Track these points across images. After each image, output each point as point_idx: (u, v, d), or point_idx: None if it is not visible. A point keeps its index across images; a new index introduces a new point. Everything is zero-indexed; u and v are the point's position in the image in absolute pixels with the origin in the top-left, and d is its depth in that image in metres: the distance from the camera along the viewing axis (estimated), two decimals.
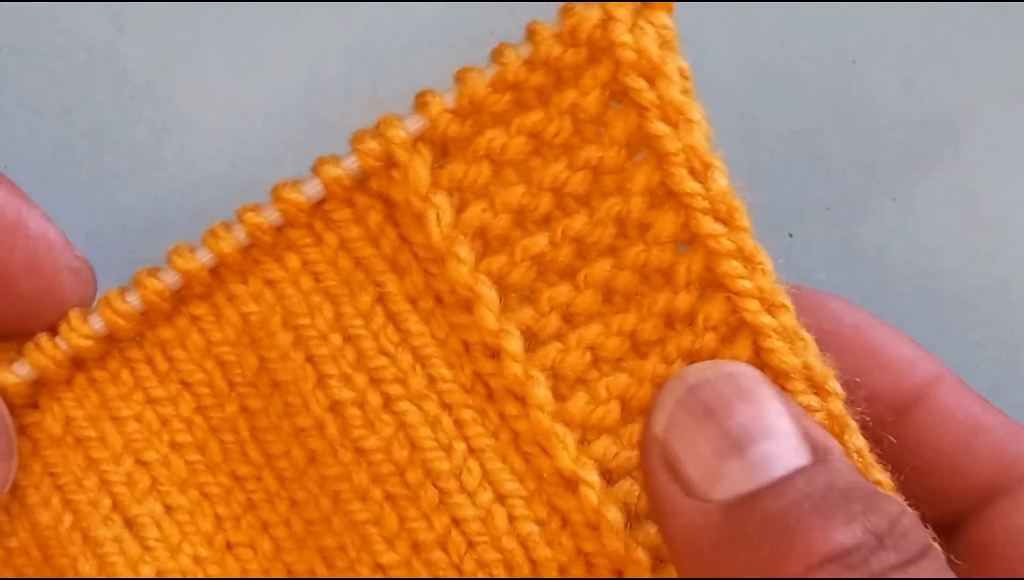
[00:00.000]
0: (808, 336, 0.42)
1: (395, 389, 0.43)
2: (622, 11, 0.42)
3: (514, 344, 0.43)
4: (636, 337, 0.43)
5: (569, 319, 0.44)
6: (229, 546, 0.44)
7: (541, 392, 0.43)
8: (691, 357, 0.43)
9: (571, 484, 0.42)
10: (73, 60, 0.54)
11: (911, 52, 0.56)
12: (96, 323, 0.43)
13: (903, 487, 0.42)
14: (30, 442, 0.44)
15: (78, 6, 0.52)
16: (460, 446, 0.43)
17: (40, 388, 0.44)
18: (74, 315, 0.43)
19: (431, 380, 0.43)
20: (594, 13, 0.43)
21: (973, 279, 0.57)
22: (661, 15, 0.43)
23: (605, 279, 0.44)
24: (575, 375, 0.43)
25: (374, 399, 0.43)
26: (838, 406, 0.42)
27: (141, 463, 0.44)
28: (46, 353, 0.43)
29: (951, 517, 0.45)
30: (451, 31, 0.54)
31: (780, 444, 0.38)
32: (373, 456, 0.43)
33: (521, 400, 0.43)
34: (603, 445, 0.43)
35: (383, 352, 0.43)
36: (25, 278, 0.42)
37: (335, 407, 0.43)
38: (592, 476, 0.42)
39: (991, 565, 0.43)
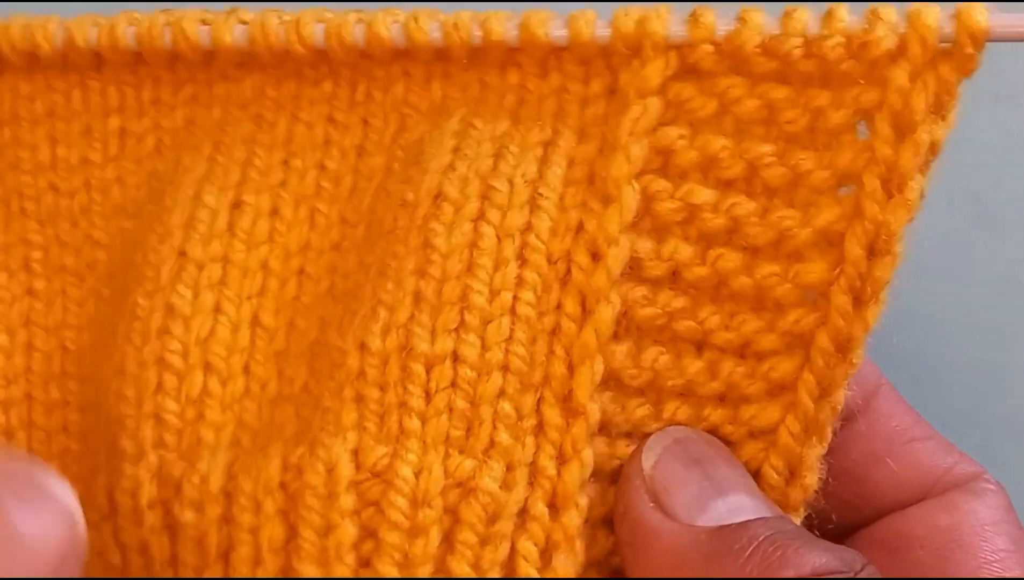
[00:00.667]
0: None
1: (493, 213, 0.44)
2: (917, 49, 0.41)
3: (617, 259, 0.43)
4: (709, 337, 0.45)
5: (674, 279, 0.44)
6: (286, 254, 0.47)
7: (607, 314, 0.43)
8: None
9: (570, 409, 0.43)
10: None
11: None
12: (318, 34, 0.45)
13: (829, 488, 0.46)
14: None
15: (84, 6, 0.49)
16: (507, 298, 0.43)
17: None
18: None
19: (527, 228, 0.44)
20: (891, 39, 0.42)
21: (972, 277, 0.59)
22: (953, 73, 0.42)
23: (729, 271, 0.44)
24: (643, 328, 0.45)
25: (471, 208, 0.44)
26: None
27: (284, 162, 0.47)
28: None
29: (867, 520, 0.50)
30: None
31: (752, 501, 0.43)
32: (432, 255, 0.43)
33: (586, 310, 0.43)
34: (608, 399, 0.44)
35: (510, 180, 0.44)
36: None
37: (438, 197, 0.44)
38: (595, 415, 0.43)
39: (904, 557, 0.48)
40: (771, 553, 0.40)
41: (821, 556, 0.39)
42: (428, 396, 0.43)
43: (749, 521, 0.41)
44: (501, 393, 0.43)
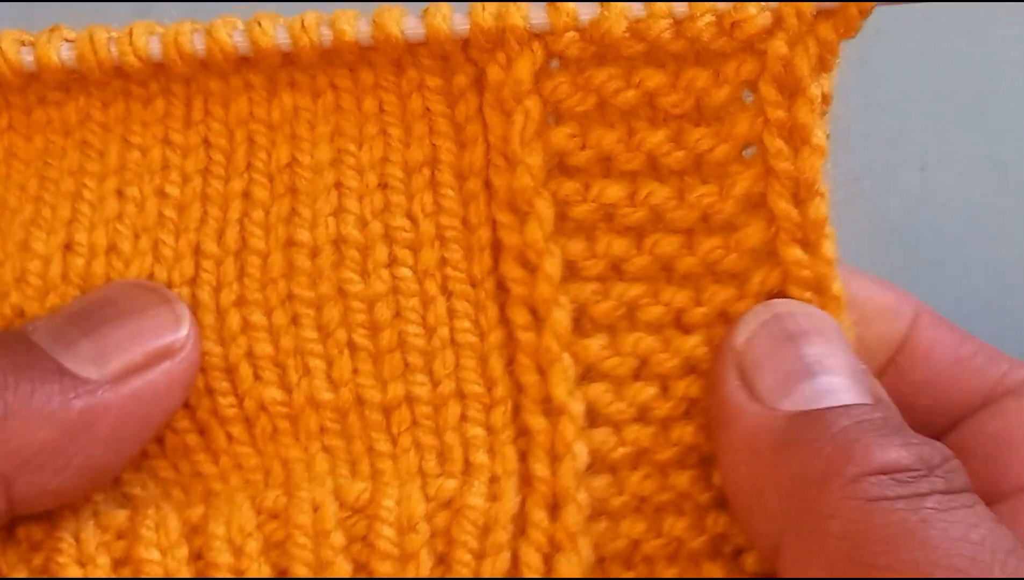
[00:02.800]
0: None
1: (404, 254, 0.43)
2: (793, 20, 0.41)
3: (554, 266, 0.43)
4: (683, 315, 0.44)
5: (618, 271, 0.44)
6: None
7: (562, 317, 0.43)
8: None
9: (552, 410, 0.43)
10: None
11: (935, 21, 0.55)
12: (153, 46, 0.42)
13: None
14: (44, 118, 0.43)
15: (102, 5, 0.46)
16: (444, 332, 0.43)
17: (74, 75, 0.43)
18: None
19: (443, 261, 0.43)
20: (765, 18, 0.41)
21: (1001, 247, 0.59)
22: (831, 33, 0.41)
23: (671, 255, 0.43)
24: (605, 321, 0.44)
25: (380, 254, 0.43)
26: None
27: (118, 192, 0.44)
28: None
29: None
30: None
31: (846, 381, 0.40)
32: (352, 302, 0.43)
33: (539, 318, 0.43)
34: (601, 390, 0.43)
35: (409, 215, 0.43)
36: None
37: (339, 241, 0.43)
38: (578, 410, 0.43)
39: (982, 457, 0.46)
40: (842, 446, 0.38)
41: (894, 452, 0.38)
42: (393, 439, 0.43)
43: (829, 409, 0.39)
44: (463, 418, 0.43)
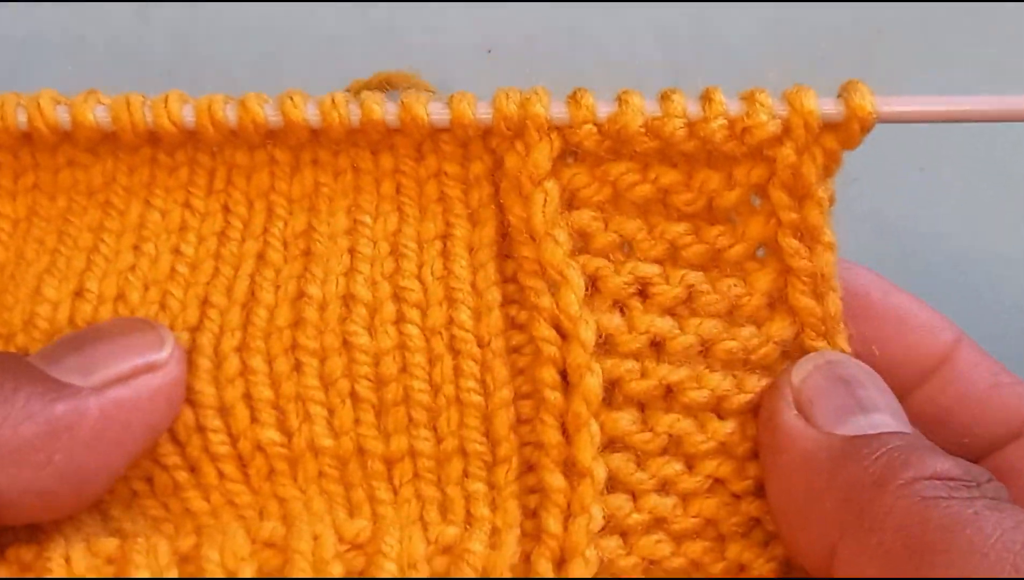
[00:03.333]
0: None
1: (413, 313, 0.44)
2: (801, 130, 0.43)
3: (588, 334, 0.44)
4: (723, 401, 0.45)
5: (657, 350, 0.45)
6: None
7: (594, 385, 0.44)
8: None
9: (571, 471, 0.44)
10: (96, 51, 0.52)
11: (935, 23, 0.56)
12: (186, 113, 0.43)
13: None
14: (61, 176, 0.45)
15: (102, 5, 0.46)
16: (449, 390, 0.44)
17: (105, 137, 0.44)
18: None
19: (451, 321, 0.44)
20: (775, 125, 0.43)
21: (1001, 248, 0.60)
22: (835, 144, 0.43)
23: (712, 338, 0.45)
24: (639, 398, 0.45)
25: (388, 311, 0.44)
26: None
27: (134, 247, 0.45)
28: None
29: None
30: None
31: (894, 421, 0.43)
32: (357, 355, 0.44)
33: (569, 382, 0.44)
34: (623, 459, 0.44)
35: (419, 278, 0.44)
36: None
37: (348, 298, 0.44)
38: (601, 475, 0.44)
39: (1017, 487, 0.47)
40: (896, 457, 0.41)
41: (945, 462, 0.40)
42: (395, 489, 0.44)
43: (884, 433, 0.42)
44: (465, 475, 0.44)
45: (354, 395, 0.44)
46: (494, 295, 0.45)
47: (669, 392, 0.45)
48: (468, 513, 0.44)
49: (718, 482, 0.45)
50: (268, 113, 0.43)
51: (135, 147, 0.44)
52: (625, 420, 0.44)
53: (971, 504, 0.39)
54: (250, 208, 0.45)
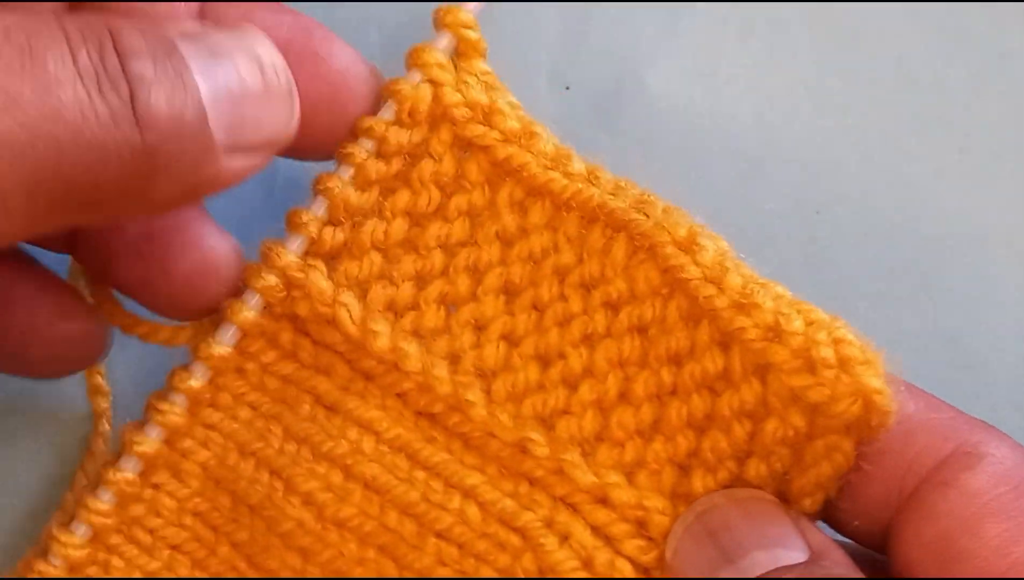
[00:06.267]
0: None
1: (351, 459, 0.46)
2: (446, 75, 0.47)
3: (443, 372, 0.46)
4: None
5: (482, 327, 0.47)
6: None
7: (474, 396, 0.46)
8: None
9: (522, 447, 0.46)
10: None
11: (876, 198, 0.56)
12: (79, 530, 0.47)
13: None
14: None
15: None
16: (419, 474, 0.46)
17: None
18: (56, 526, 0.47)
19: (378, 437, 0.47)
20: (424, 89, 0.46)
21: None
22: (478, 64, 0.47)
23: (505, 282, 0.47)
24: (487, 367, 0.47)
25: (336, 477, 0.46)
26: None
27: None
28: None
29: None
30: None
31: (772, 552, 0.42)
32: (352, 522, 0.46)
33: (458, 408, 0.46)
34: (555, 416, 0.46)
35: (331, 437, 0.47)
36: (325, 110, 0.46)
37: (308, 499, 0.46)
38: (536, 434, 0.45)
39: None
40: None
41: None
42: (464, 572, 0.46)
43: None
44: (482, 505, 0.46)
45: (381, 548, 0.47)
46: (393, 400, 0.47)
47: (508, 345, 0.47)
48: (515, 528, 0.46)
49: None
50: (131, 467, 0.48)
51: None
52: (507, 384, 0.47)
53: None
54: (184, 527, 0.49)
